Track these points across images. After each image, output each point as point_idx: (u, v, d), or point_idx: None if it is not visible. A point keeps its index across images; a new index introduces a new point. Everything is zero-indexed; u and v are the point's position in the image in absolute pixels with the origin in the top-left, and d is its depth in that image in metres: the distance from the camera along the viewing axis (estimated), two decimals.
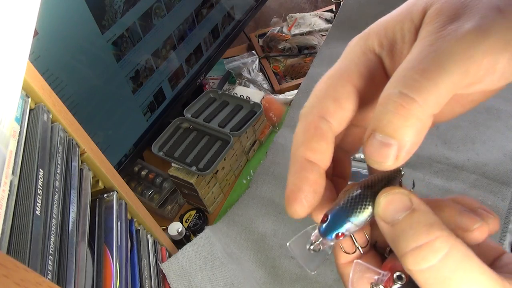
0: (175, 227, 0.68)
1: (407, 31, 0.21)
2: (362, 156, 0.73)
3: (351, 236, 0.24)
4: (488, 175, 0.68)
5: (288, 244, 0.24)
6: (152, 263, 0.58)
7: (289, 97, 0.94)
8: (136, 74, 0.70)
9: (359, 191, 0.23)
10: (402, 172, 0.24)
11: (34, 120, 0.40)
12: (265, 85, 1.00)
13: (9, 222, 0.33)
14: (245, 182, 0.82)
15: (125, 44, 0.66)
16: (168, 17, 0.74)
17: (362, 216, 0.22)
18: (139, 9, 0.66)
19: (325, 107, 0.21)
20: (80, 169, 0.46)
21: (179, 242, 0.68)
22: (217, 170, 0.76)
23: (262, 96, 0.86)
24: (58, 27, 0.53)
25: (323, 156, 0.22)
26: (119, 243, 0.48)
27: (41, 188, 0.37)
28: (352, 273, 0.24)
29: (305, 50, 1.07)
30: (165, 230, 0.68)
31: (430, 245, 0.18)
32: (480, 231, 0.21)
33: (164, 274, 0.60)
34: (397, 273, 0.23)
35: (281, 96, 0.95)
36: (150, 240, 0.59)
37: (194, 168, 0.70)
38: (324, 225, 0.23)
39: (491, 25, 0.18)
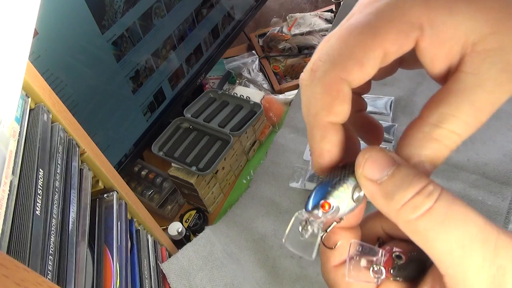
0: (175, 227, 0.68)
1: None
2: None
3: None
4: (488, 175, 0.68)
5: (283, 240, 0.24)
6: (152, 263, 0.58)
7: (289, 97, 0.94)
8: (136, 74, 0.70)
9: (341, 164, 0.23)
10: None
11: (34, 120, 0.40)
12: (265, 85, 1.00)
13: (9, 222, 0.33)
14: (245, 182, 0.82)
15: (125, 44, 0.66)
16: (168, 17, 0.74)
17: (344, 182, 0.22)
18: (139, 9, 0.66)
19: (349, 70, 0.20)
20: (80, 169, 0.46)
21: (179, 242, 0.68)
22: (217, 170, 0.76)
23: (262, 96, 0.86)
24: (58, 27, 0.53)
25: (344, 117, 0.22)
26: (119, 243, 0.48)
27: (41, 188, 0.37)
28: (348, 258, 0.23)
29: (305, 50, 1.07)
30: (165, 230, 0.68)
31: (425, 190, 0.19)
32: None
33: (164, 274, 0.60)
34: (396, 253, 0.22)
35: (281, 96, 0.95)
36: (150, 240, 0.59)
37: (194, 168, 0.70)
38: (309, 200, 0.22)
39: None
